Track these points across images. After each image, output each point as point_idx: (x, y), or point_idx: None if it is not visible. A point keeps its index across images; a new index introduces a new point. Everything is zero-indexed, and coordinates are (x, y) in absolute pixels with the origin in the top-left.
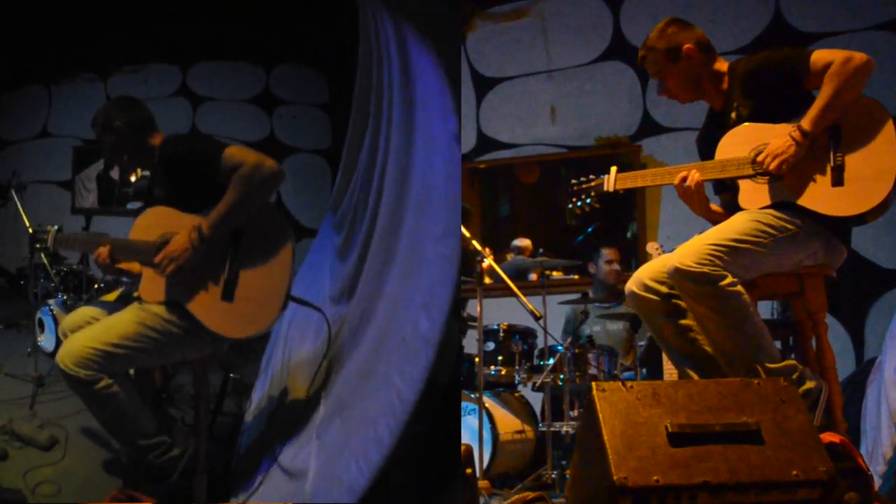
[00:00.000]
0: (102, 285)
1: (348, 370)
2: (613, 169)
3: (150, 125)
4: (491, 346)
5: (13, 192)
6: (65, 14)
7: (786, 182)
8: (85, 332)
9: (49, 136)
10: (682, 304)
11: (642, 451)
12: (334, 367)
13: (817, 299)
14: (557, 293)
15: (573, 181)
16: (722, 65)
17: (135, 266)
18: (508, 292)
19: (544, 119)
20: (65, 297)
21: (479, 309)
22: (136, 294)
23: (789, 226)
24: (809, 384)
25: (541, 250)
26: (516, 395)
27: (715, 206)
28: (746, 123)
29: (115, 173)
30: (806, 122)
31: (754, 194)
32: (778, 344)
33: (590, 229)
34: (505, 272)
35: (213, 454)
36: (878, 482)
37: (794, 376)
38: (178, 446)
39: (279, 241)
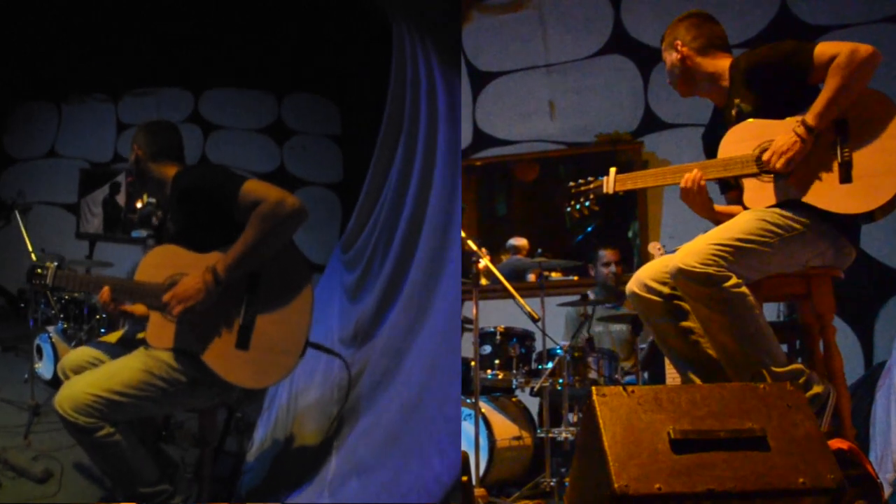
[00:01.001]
0: (104, 315)
1: (369, 428)
2: (612, 170)
3: (167, 154)
4: (487, 349)
5: (17, 213)
6: (78, 31)
7: (792, 180)
8: (87, 376)
9: (56, 157)
10: (685, 305)
11: (644, 459)
12: (348, 417)
13: (825, 301)
14: (556, 295)
15: (571, 183)
16: (725, 61)
17: (140, 308)
18: (505, 294)
19: (542, 115)
20: (65, 326)
21: (475, 311)
22: (140, 336)
23: (796, 225)
24: (817, 389)
25: (539, 250)
26: (514, 400)
27: (718, 207)
28: (750, 120)
29: (121, 199)
30: (811, 117)
31: (759, 193)
32: (784, 347)
33: (589, 229)
34: (502, 273)
35: (213, 495)
36: (887, 490)
37: (801, 381)
38: (180, 494)
39: (298, 284)
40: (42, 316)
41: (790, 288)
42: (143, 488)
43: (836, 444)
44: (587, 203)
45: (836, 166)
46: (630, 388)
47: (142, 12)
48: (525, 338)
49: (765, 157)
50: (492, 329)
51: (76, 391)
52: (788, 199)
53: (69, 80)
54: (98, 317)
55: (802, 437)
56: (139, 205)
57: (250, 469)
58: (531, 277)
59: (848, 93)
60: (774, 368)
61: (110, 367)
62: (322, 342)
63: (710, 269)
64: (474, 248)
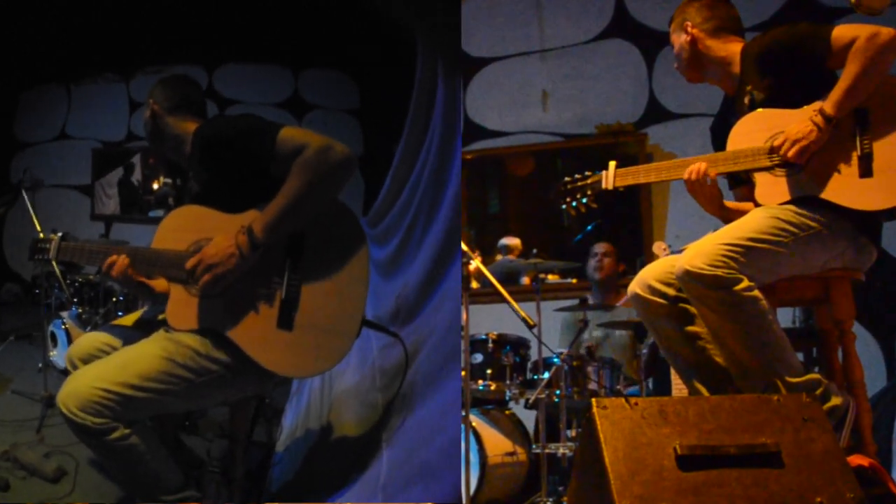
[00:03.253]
0: (121, 298)
1: (432, 426)
2: (612, 164)
3: (187, 108)
4: (479, 358)
5: (24, 192)
6: (86, 11)
7: (807, 174)
8: (94, 368)
9: (68, 139)
10: (691, 309)
11: (648, 476)
12: (399, 406)
13: (844, 306)
14: (553, 299)
15: (567, 179)
16: (737, 45)
17: (160, 283)
18: (498, 298)
19: (538, 104)
20: (80, 310)
21: (465, 317)
22: (160, 318)
23: (812, 223)
24: (835, 401)
25: (534, 251)
26: (507, 412)
27: (729, 203)
28: (761, 109)
29: (136, 178)
30: (829, 106)
31: (772, 188)
32: (800, 356)
33: (589, 227)
34: (493, 275)
35: (242, 491)
36: None
37: (818, 392)
38: (208, 498)
39: (350, 247)
40: (55, 301)
41: (806, 291)
42: (165, 496)
43: (856, 460)
44: (584, 200)
45: (855, 159)
46: (633, 400)
47: None
48: (519, 345)
49: (776, 142)
50: (483, 336)
51: (82, 386)
52: (804, 196)
53: (78, 61)
54: (115, 299)
55: (820, 452)
56: (156, 185)
57: (280, 461)
58: (525, 280)
59: (868, 79)
60: (789, 378)
61: (123, 356)
62: None
63: (720, 271)
64: (464, 248)
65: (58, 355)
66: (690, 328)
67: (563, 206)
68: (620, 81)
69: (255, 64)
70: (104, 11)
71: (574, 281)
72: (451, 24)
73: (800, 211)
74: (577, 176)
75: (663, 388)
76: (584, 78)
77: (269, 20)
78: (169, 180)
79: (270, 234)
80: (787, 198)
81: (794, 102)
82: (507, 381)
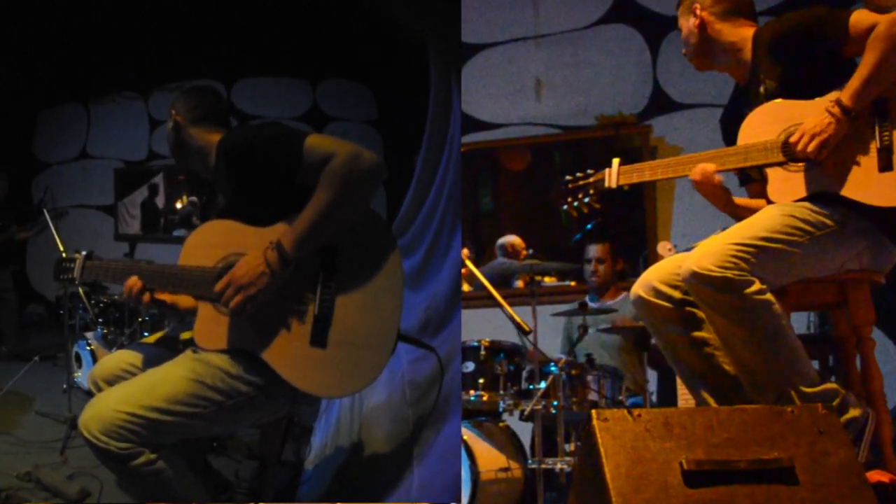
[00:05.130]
0: (147, 318)
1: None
2: (615, 161)
3: (210, 119)
4: (470, 366)
5: (46, 213)
6: (104, 29)
7: (823, 169)
8: (119, 390)
9: (89, 158)
10: (699, 313)
11: (652, 493)
12: (432, 420)
13: (862, 310)
14: (550, 303)
15: (568, 178)
16: (748, 30)
17: (185, 299)
18: (491, 302)
19: (533, 94)
20: (105, 331)
21: None
22: (185, 336)
23: (829, 221)
24: (853, 412)
25: (530, 251)
26: (501, 425)
27: (739, 200)
28: (777, 100)
29: (159, 200)
30: (846, 96)
31: (786, 184)
32: (815, 364)
33: (589, 226)
34: (486, 277)
35: None
36: None
37: (835, 403)
38: None
39: (382, 258)
40: (80, 322)
41: (822, 295)
42: None
43: (876, 476)
44: (586, 200)
45: (874, 151)
46: (636, 412)
47: (165, 5)
48: (514, 353)
49: (792, 139)
50: (475, 343)
51: (105, 409)
52: (820, 192)
53: (96, 80)
54: (140, 319)
55: (836, 468)
56: (179, 205)
57: (309, 479)
58: (519, 283)
59: (889, 68)
60: (804, 388)
61: (149, 378)
62: None
63: (730, 273)
64: None
65: (83, 376)
66: (697, 334)
67: (565, 207)
68: (622, 69)
69: (273, 77)
70: (120, 28)
71: (573, 283)
72: (452, 33)
73: (815, 208)
74: (578, 175)
75: (668, 399)
76: (584, 66)
77: (285, 33)
78: (195, 198)
79: (301, 249)
80: (802, 194)
81: (809, 92)
82: (501, 392)
